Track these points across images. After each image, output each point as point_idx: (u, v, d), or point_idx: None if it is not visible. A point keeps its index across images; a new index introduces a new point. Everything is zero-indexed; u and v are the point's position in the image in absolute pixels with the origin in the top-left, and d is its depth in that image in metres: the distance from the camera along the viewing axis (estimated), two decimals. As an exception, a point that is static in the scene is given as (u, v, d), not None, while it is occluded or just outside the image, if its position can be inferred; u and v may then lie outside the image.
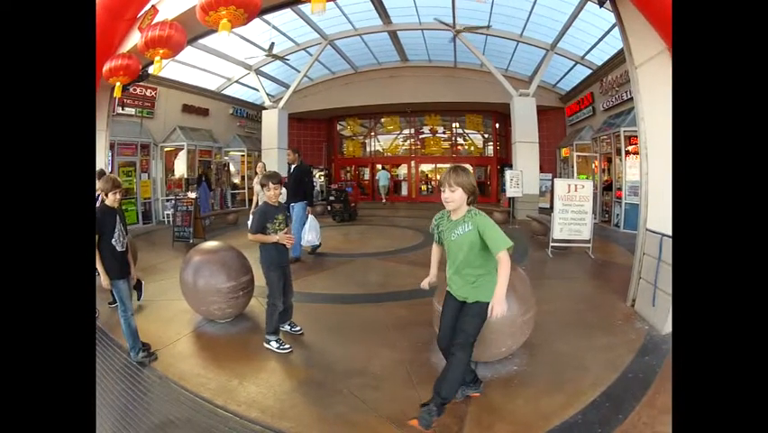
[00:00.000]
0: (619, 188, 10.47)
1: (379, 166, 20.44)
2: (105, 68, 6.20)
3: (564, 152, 15.10)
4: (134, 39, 6.63)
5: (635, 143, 8.23)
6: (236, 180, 16.51)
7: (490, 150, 19.60)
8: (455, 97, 16.71)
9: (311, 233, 6.93)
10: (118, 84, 6.46)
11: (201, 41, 8.65)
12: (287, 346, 3.65)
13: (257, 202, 7.03)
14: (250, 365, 3.41)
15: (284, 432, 2.57)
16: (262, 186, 3.80)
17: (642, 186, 4.56)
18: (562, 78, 15.16)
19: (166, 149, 13.26)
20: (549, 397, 2.88)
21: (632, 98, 4.86)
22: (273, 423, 2.64)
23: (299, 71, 14.90)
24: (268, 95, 15.63)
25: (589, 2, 9.26)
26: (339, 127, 21.43)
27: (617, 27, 4.83)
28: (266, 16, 10.12)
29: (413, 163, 20.38)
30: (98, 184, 3.52)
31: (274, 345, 3.63)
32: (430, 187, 20.75)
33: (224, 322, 4.29)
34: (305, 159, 8.39)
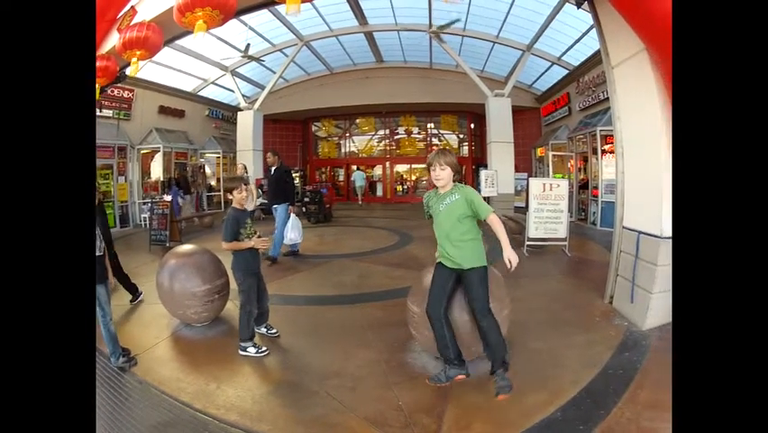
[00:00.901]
0: (596, 187, 10.60)
1: (355, 167, 20.35)
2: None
3: (540, 151, 15.32)
4: (113, 40, 6.50)
5: (611, 142, 8.35)
6: (212, 183, 16.26)
7: (465, 150, 19.72)
8: (430, 98, 16.77)
9: (293, 231, 7.00)
10: (97, 86, 6.34)
11: (178, 41, 8.51)
12: (264, 349, 3.63)
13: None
14: (227, 369, 3.39)
15: (262, 435, 2.56)
16: (231, 190, 3.72)
17: (618, 184, 4.62)
18: (538, 79, 15.35)
19: (143, 151, 13.00)
20: (528, 395, 2.85)
21: (608, 98, 4.95)
22: (252, 426, 2.64)
23: (275, 72, 14.77)
24: (243, 96, 15.45)
25: (567, 3, 9.36)
26: (314, 128, 21.30)
27: (594, 28, 4.91)
28: (242, 17, 10.05)
29: (388, 164, 20.37)
30: None
31: (252, 350, 3.60)
32: (405, 187, 20.80)
33: (200, 326, 4.25)
34: (280, 160, 8.30)
